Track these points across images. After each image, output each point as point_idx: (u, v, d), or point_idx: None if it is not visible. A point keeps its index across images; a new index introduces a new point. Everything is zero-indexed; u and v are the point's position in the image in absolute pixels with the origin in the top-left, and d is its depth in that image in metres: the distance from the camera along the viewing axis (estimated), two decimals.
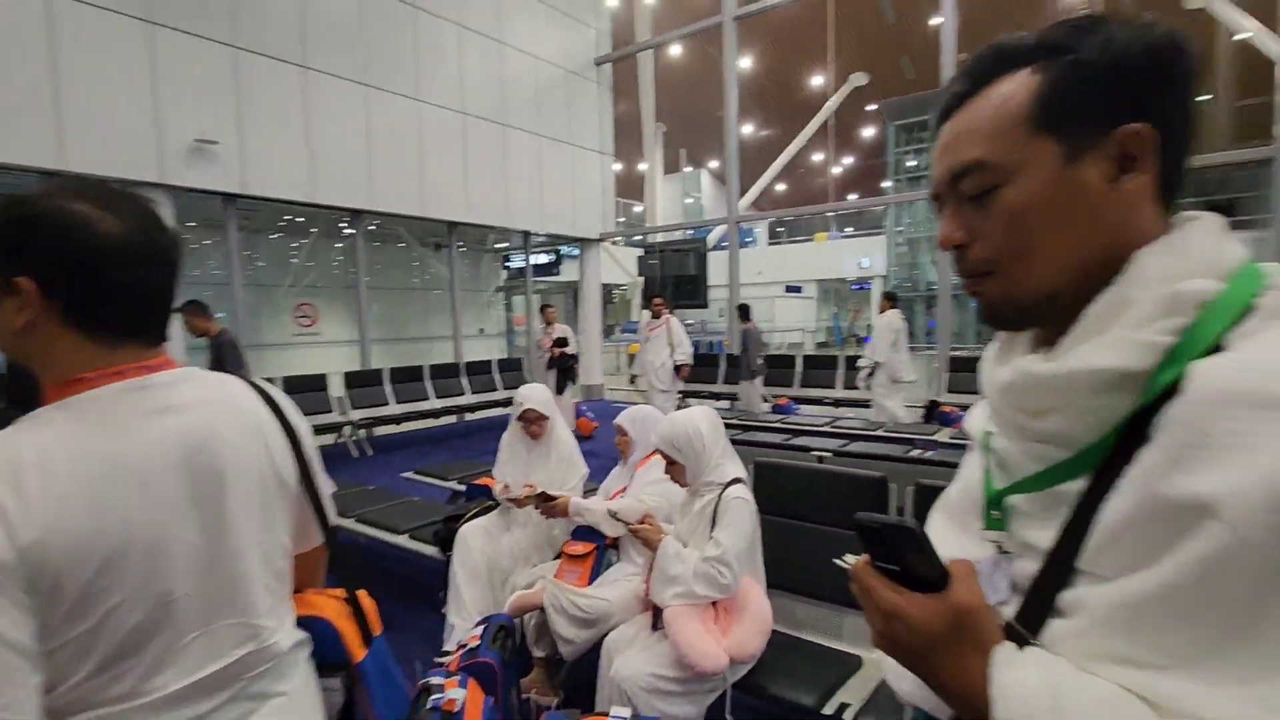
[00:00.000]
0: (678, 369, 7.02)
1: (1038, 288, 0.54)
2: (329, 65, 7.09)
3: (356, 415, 7.07)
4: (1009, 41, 0.56)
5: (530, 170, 9.57)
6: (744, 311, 7.95)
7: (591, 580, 2.37)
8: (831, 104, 19.69)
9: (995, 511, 0.60)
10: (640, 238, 13.54)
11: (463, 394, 8.32)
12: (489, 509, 2.87)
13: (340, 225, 10.18)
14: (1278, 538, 0.37)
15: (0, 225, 0.73)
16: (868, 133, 25.17)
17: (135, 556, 0.71)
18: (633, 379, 6.98)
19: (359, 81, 7.39)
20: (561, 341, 7.70)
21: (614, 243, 11.81)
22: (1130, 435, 0.47)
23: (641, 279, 11.08)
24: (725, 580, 1.84)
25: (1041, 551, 0.53)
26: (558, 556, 2.56)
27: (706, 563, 1.86)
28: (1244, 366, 0.42)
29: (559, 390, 7.64)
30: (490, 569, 2.62)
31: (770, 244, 26.10)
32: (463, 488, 4.06)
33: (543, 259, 13.21)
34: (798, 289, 23.35)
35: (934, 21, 15.54)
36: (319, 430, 6.77)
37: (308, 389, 6.85)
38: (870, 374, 7.03)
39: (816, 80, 20.79)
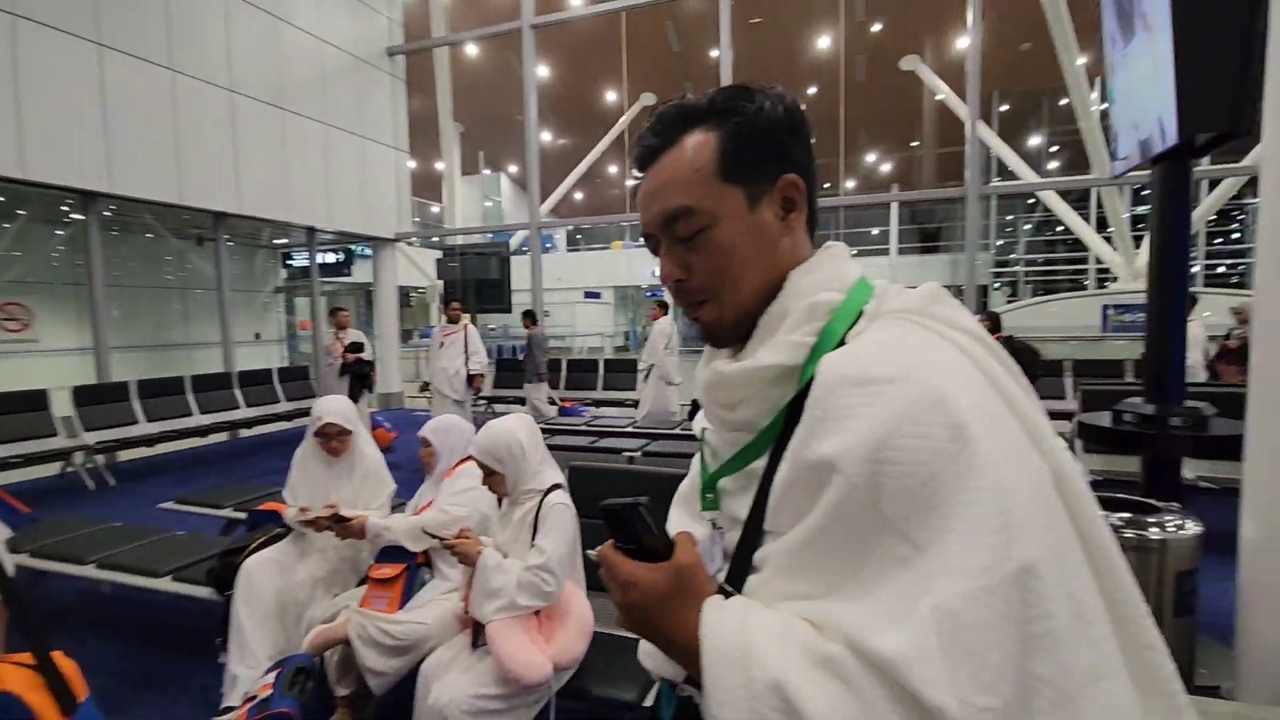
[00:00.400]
0: (471, 378, 6.72)
1: (740, 309, 0.66)
2: (45, 13, 5.85)
3: (92, 438, 5.90)
4: (688, 104, 0.67)
5: (315, 161, 8.73)
6: (530, 317, 8.23)
7: (403, 604, 2.22)
8: (624, 120, 20.51)
9: (710, 494, 0.72)
10: (439, 240, 12.98)
11: (236, 408, 7.33)
12: (277, 537, 2.57)
13: (63, 209, 8.43)
14: (872, 481, 0.48)
15: None
16: None
17: None
18: (424, 386, 6.73)
19: (88, 38, 6.19)
20: (355, 347, 7.13)
21: (410, 243, 11.18)
22: (791, 417, 0.58)
23: (441, 282, 10.62)
24: (549, 588, 1.84)
25: (742, 521, 0.64)
26: (362, 582, 2.37)
27: (530, 571, 1.84)
28: (850, 356, 0.54)
29: (353, 399, 7.07)
30: (282, 606, 2.34)
31: (569, 250, 26.47)
32: (242, 515, 3.60)
33: (330, 258, 12.09)
34: (597, 295, 23.94)
35: (713, 54, 16.94)
36: (40, 459, 5.55)
37: (19, 409, 5.59)
38: (646, 375, 7.60)
39: (611, 96, 21.51)
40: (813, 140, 0.68)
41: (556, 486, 2.00)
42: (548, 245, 25.20)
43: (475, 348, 6.76)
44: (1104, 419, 2.79)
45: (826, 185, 26.56)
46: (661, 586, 0.57)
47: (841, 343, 0.58)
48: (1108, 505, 2.17)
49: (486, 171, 25.55)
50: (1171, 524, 2.11)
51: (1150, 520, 2.12)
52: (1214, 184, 12.89)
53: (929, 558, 0.45)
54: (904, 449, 0.46)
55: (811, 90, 19.83)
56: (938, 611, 0.42)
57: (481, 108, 21.20)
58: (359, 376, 7.10)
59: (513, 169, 26.13)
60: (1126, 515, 2.15)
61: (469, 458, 2.25)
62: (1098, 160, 11.45)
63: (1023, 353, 5.50)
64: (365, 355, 7.18)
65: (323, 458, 2.52)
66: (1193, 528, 2.11)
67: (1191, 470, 4.14)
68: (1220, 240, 20.47)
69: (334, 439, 2.50)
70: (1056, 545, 0.45)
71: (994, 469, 0.45)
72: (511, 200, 26.29)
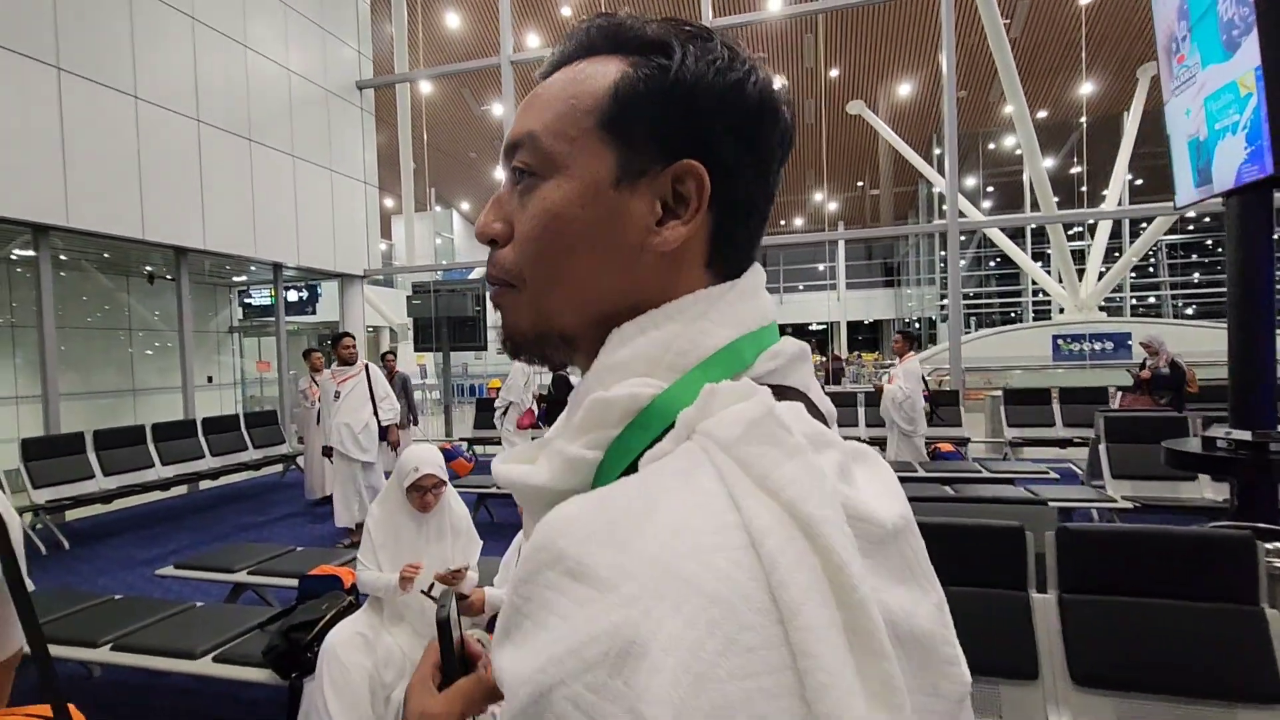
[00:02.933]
0: (385, 431, 5.36)
1: (543, 319, 0.46)
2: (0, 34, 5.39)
3: (44, 496, 5.26)
4: (629, 22, 0.46)
5: (283, 195, 8.32)
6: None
7: None
8: None
9: None
10: (392, 279, 12.52)
11: (201, 457, 6.72)
12: (351, 607, 2.27)
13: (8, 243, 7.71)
14: None
15: None
16: None
17: None
18: (326, 450, 5.34)
19: (46, 61, 5.73)
20: None
21: (373, 281, 10.76)
22: None
23: (410, 320, 10.21)
24: None
25: None
26: None
27: None
28: (583, 519, 0.34)
29: None
30: (371, 688, 2.04)
31: None
32: (256, 580, 3.25)
33: (292, 296, 11.49)
34: None
35: None
36: None
37: None
38: (504, 413, 7.11)
39: None
40: (778, 152, 0.45)
41: None
42: None
43: (383, 392, 5.39)
44: (1193, 445, 2.81)
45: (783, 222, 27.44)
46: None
47: (631, 468, 0.38)
48: (1259, 536, 2.14)
49: (438, 208, 25.19)
50: None
51: None
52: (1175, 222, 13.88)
53: None
54: (572, 706, 0.29)
55: None
56: None
57: (434, 143, 21.03)
58: None
59: (465, 206, 25.85)
60: None
61: None
62: (1044, 199, 12.13)
63: (1175, 376, 5.58)
64: None
65: (410, 514, 2.25)
66: None
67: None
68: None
69: (429, 491, 2.24)
70: None
71: None
72: (463, 236, 25.92)
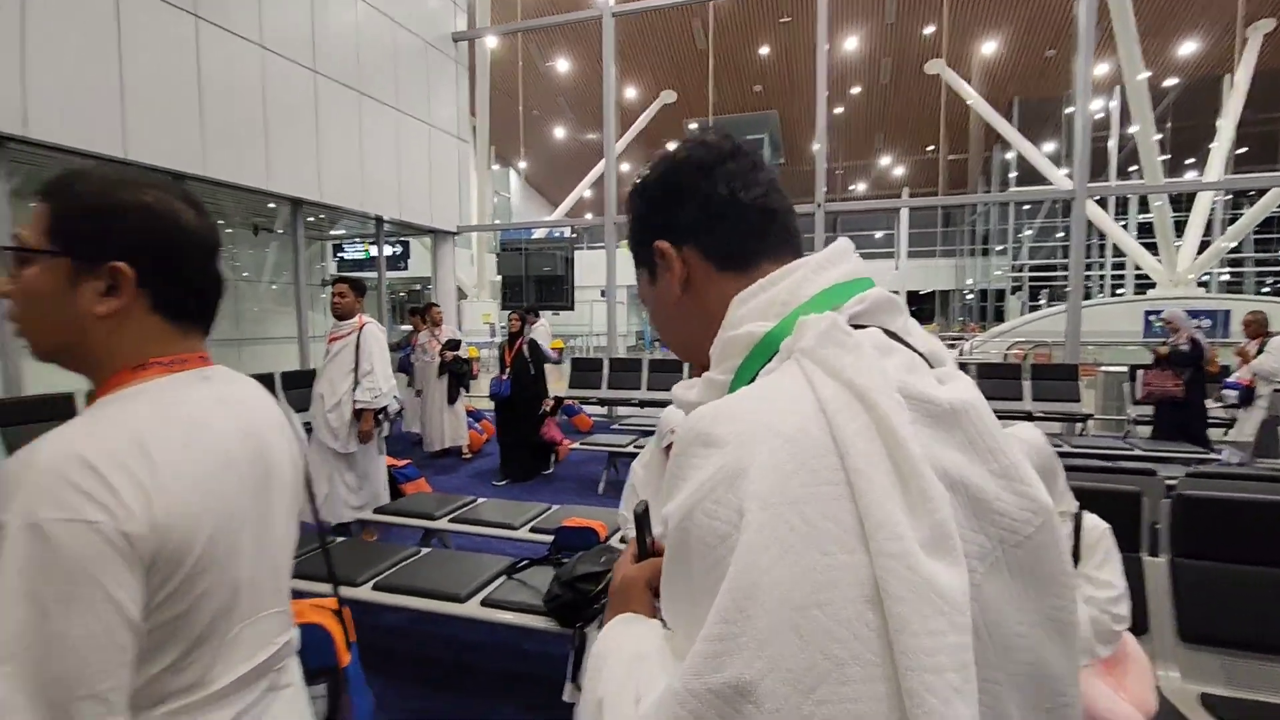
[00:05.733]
0: (359, 415, 3.92)
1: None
2: None
3: None
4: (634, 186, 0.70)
5: (386, 148, 8.30)
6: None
7: None
8: (644, 118, 20.29)
9: None
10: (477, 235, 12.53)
11: None
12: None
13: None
14: (684, 547, 0.46)
15: (86, 212, 0.74)
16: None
17: (222, 540, 0.73)
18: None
19: (186, 10, 5.73)
20: (453, 344, 6.80)
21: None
22: None
23: (500, 278, 10.25)
24: (1119, 627, 1.60)
25: None
26: None
27: (1092, 606, 1.59)
28: (710, 410, 0.49)
29: (451, 400, 6.77)
30: None
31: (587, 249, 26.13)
32: (456, 528, 3.30)
33: (389, 251, 11.60)
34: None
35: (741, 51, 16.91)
36: None
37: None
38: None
39: (631, 93, 21.21)
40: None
41: None
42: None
43: (370, 364, 3.93)
44: None
45: (854, 188, 26.62)
46: (614, 587, 0.65)
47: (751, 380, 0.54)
48: None
49: (496, 167, 25.07)
50: None
51: None
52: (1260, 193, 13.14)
53: (680, 640, 0.49)
54: (699, 525, 0.45)
55: (855, 91, 19.81)
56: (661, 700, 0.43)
57: (495, 102, 20.83)
58: (457, 375, 6.76)
59: (522, 165, 25.66)
60: None
61: None
62: (1150, 168, 11.52)
63: (1194, 354, 5.44)
64: (461, 353, 6.85)
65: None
66: None
67: None
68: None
69: None
70: (801, 671, 0.38)
71: (748, 569, 0.41)
72: (521, 196, 25.83)
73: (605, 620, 0.63)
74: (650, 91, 20.37)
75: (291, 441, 0.91)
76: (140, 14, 5.36)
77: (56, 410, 4.89)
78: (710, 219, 0.62)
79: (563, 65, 19.46)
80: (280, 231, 9.37)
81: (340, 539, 3.27)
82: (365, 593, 2.56)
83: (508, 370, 6.00)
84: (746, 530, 0.41)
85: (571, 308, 10.07)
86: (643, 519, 0.65)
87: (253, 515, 0.79)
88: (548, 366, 6.64)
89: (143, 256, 0.74)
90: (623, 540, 2.74)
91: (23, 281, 0.73)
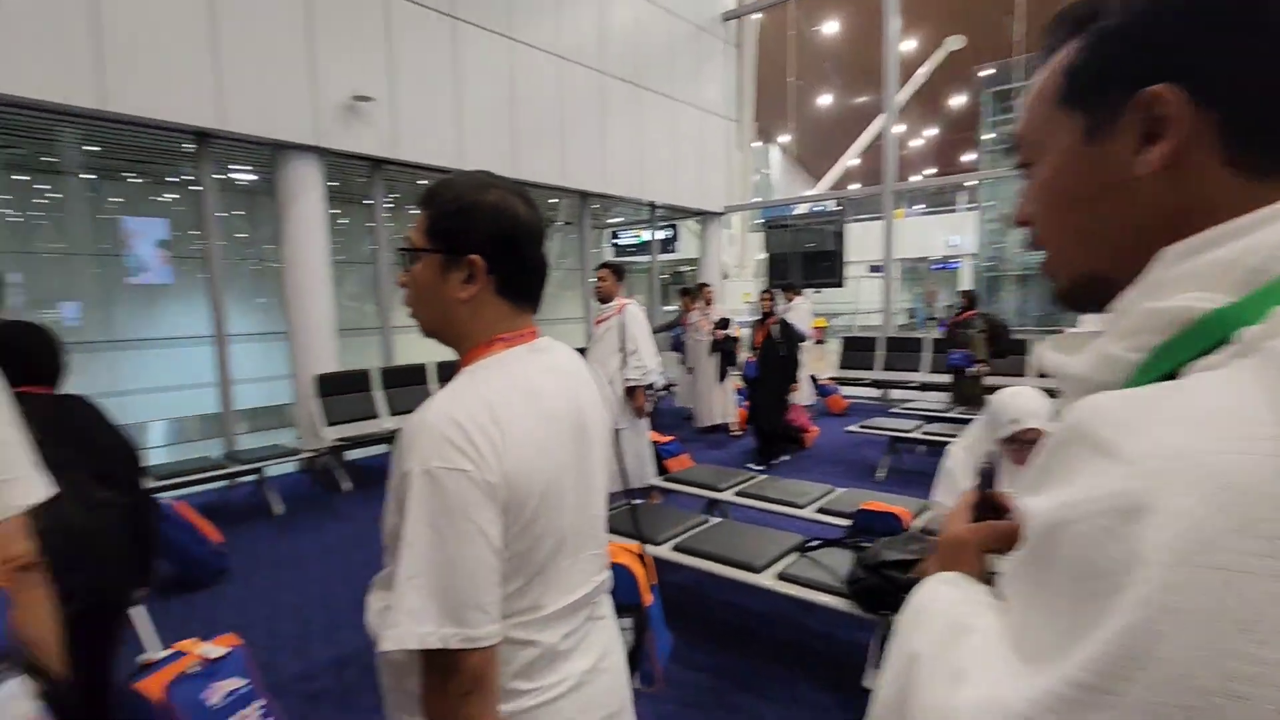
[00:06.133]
0: (631, 392, 4.16)
1: (1073, 269, 0.51)
2: (475, 15, 6.34)
3: (333, 435, 5.56)
4: (1070, 10, 0.50)
5: (662, 136, 8.75)
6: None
7: None
8: (924, 70, 18.47)
9: None
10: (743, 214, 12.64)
11: None
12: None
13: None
14: (1037, 543, 0.39)
15: (449, 215, 0.89)
16: (955, 102, 23.60)
17: (553, 490, 0.87)
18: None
19: (503, 34, 6.63)
20: (723, 323, 6.97)
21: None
22: None
23: (766, 256, 10.23)
24: None
25: None
26: None
27: None
28: (1115, 407, 0.38)
29: (720, 377, 6.96)
30: None
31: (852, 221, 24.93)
32: (737, 500, 3.35)
33: (659, 235, 12.42)
34: (879, 268, 22.23)
35: None
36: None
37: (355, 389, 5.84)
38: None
39: (907, 45, 19.45)
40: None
41: None
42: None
43: (637, 343, 4.15)
44: None
45: None
46: (943, 539, 0.61)
47: (1171, 375, 0.39)
48: None
49: (756, 144, 25.02)
50: None
51: None
52: None
53: (1016, 617, 0.43)
54: (1075, 544, 0.36)
55: None
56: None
57: (760, 76, 20.67)
58: (726, 354, 6.93)
59: (783, 139, 25.21)
60: None
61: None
62: None
63: None
64: (731, 332, 6.99)
65: (1008, 468, 1.99)
66: None
67: None
68: None
69: (1029, 445, 1.95)
70: None
71: (1144, 633, 0.32)
72: (782, 172, 25.44)
73: (925, 570, 0.61)
74: (931, 42, 18.51)
75: (601, 402, 1.02)
76: (471, 46, 6.34)
77: (415, 377, 6.18)
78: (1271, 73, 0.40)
79: (830, 28, 18.59)
80: (567, 222, 10.46)
81: (637, 501, 3.56)
82: (665, 551, 2.75)
83: (756, 351, 6.00)
84: (1149, 585, 0.32)
85: (841, 284, 9.65)
86: (989, 475, 0.64)
87: (575, 469, 0.91)
88: (806, 346, 6.47)
89: (491, 247, 0.88)
90: (924, 531, 2.55)
91: (414, 274, 0.91)
